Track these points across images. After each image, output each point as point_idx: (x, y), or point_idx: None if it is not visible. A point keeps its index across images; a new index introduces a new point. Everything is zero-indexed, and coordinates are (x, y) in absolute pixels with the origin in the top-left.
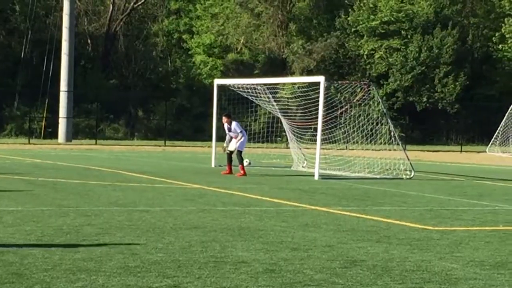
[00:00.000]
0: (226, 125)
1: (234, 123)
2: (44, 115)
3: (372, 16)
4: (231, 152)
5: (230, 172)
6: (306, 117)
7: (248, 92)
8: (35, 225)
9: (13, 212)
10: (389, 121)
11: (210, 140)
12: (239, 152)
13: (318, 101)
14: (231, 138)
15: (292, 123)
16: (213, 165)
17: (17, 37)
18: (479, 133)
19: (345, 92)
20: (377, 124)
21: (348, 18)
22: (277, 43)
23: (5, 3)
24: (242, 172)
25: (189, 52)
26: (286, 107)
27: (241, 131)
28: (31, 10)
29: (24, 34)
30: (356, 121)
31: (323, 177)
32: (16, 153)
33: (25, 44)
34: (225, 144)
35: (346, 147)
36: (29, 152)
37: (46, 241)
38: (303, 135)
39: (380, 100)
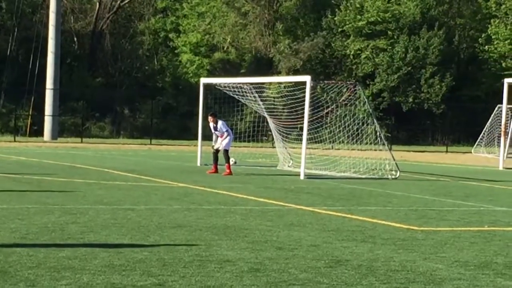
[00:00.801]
0: (212, 124)
1: (220, 122)
2: (30, 113)
3: (358, 16)
4: (217, 151)
5: (216, 171)
6: (292, 117)
7: (234, 91)
8: (20, 223)
9: None
10: (375, 121)
11: (196, 139)
12: (226, 151)
13: (304, 100)
14: (217, 137)
15: (278, 122)
16: (198, 164)
17: (3, 34)
18: (465, 134)
19: (331, 92)
20: (363, 124)
21: (335, 18)
22: (263, 43)
23: None
24: (228, 171)
25: (176, 51)
26: (272, 106)
27: (226, 130)
28: (17, 7)
29: (10, 31)
30: (342, 121)
31: (308, 176)
32: (1, 151)
33: (11, 41)
34: (213, 143)
35: (332, 146)
36: (14, 150)
37: (31, 239)
38: (289, 134)
39: (366, 100)
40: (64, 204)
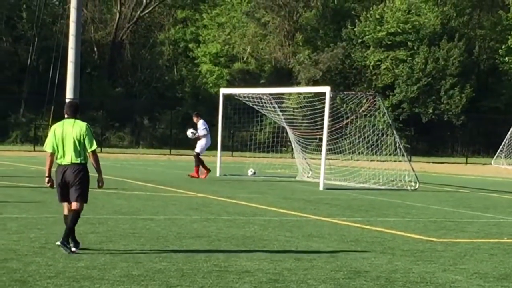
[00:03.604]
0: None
1: (201, 121)
2: (50, 123)
3: (378, 27)
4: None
5: (206, 175)
6: (312, 127)
7: (254, 101)
8: (39, 232)
9: (17, 219)
10: (394, 132)
11: (215, 149)
12: (197, 154)
13: (323, 111)
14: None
15: (298, 133)
16: (218, 174)
17: (23, 44)
18: (485, 145)
19: (350, 102)
20: (382, 135)
21: (355, 29)
22: (283, 53)
23: (12, 10)
24: (195, 174)
25: (195, 61)
26: (292, 117)
27: (205, 128)
28: (38, 17)
29: (30, 41)
30: (362, 132)
31: (328, 187)
32: (21, 160)
33: (32, 51)
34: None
35: (351, 157)
36: (34, 159)
37: (50, 249)
38: (308, 145)
39: (385, 111)
40: (83, 214)
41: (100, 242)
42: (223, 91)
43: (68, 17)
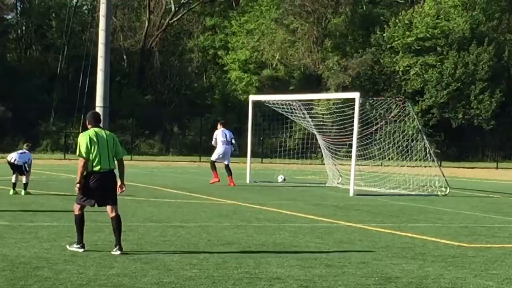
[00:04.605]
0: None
1: (222, 129)
2: (80, 131)
3: (407, 33)
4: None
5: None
6: (341, 133)
7: (283, 108)
8: (70, 241)
9: (48, 227)
10: (424, 137)
11: (245, 156)
12: (212, 161)
13: (353, 117)
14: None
15: (327, 139)
16: (248, 181)
17: (53, 53)
18: None
19: (380, 108)
20: (412, 140)
21: (384, 35)
22: (312, 59)
23: (41, 19)
24: (231, 183)
25: (225, 68)
26: (321, 123)
27: (215, 138)
28: (67, 26)
29: (60, 50)
30: (392, 138)
31: (358, 193)
32: (52, 168)
33: (61, 60)
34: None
35: (381, 163)
36: (64, 167)
37: (80, 257)
38: (338, 151)
39: (415, 116)
40: None
41: (131, 250)
42: (252, 98)
43: (97, 25)
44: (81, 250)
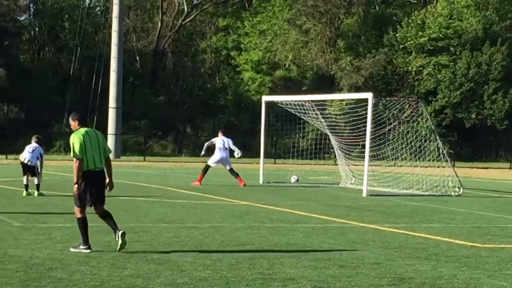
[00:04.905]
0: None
1: (223, 138)
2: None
3: (420, 33)
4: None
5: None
6: (354, 134)
7: (296, 108)
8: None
9: (61, 228)
10: (437, 137)
11: (258, 156)
12: (206, 165)
13: (366, 117)
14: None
15: (340, 139)
16: (261, 182)
17: (66, 54)
18: None
19: (393, 108)
20: (425, 140)
21: (397, 35)
22: (325, 60)
23: (54, 21)
24: (198, 183)
25: (237, 69)
26: (334, 123)
27: (212, 143)
28: (80, 27)
29: (73, 51)
30: (405, 138)
31: (371, 194)
32: (65, 169)
33: (74, 61)
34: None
35: (395, 163)
36: None
37: (94, 258)
38: (351, 151)
39: (428, 116)
40: (127, 223)
41: (144, 251)
42: (265, 98)
43: (110, 26)
44: (88, 250)
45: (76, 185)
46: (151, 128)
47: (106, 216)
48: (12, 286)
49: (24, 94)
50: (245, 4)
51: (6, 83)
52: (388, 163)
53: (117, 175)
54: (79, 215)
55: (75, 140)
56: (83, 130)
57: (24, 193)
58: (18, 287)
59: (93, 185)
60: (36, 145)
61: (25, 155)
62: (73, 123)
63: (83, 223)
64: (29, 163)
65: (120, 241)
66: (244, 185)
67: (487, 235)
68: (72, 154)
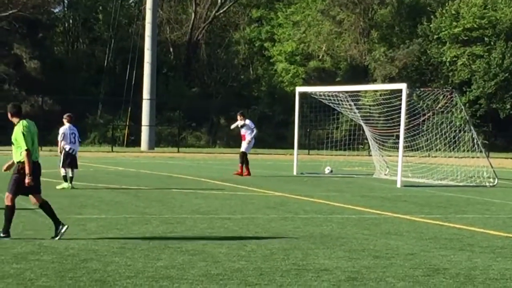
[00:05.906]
0: (240, 123)
1: (248, 121)
2: (127, 123)
3: (454, 23)
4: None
5: (248, 173)
6: (388, 125)
7: (330, 99)
8: (118, 233)
9: (96, 219)
10: (472, 128)
11: (292, 148)
12: (244, 154)
13: (400, 108)
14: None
15: (374, 130)
16: (295, 173)
17: (100, 46)
18: None
19: (427, 99)
20: (460, 131)
21: (431, 25)
22: (358, 50)
23: (88, 12)
24: (240, 171)
25: (271, 60)
26: (368, 114)
27: (254, 128)
28: (114, 19)
29: (107, 43)
30: (439, 129)
31: (405, 184)
32: (100, 161)
33: (108, 52)
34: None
35: (429, 154)
36: (112, 160)
37: (129, 249)
38: (385, 142)
39: (462, 107)
40: (161, 214)
41: (179, 242)
42: (299, 89)
43: (143, 18)
44: (7, 238)
45: (30, 177)
46: (185, 120)
47: (47, 206)
48: (48, 277)
49: (59, 86)
50: None
51: (40, 75)
52: (422, 154)
53: (151, 167)
54: (9, 203)
55: (25, 131)
56: (25, 121)
57: (66, 185)
58: (54, 278)
59: (35, 176)
60: (70, 125)
61: (73, 147)
62: (14, 118)
63: (11, 211)
64: (74, 153)
65: (58, 237)
66: (239, 175)
67: None
68: (24, 147)
